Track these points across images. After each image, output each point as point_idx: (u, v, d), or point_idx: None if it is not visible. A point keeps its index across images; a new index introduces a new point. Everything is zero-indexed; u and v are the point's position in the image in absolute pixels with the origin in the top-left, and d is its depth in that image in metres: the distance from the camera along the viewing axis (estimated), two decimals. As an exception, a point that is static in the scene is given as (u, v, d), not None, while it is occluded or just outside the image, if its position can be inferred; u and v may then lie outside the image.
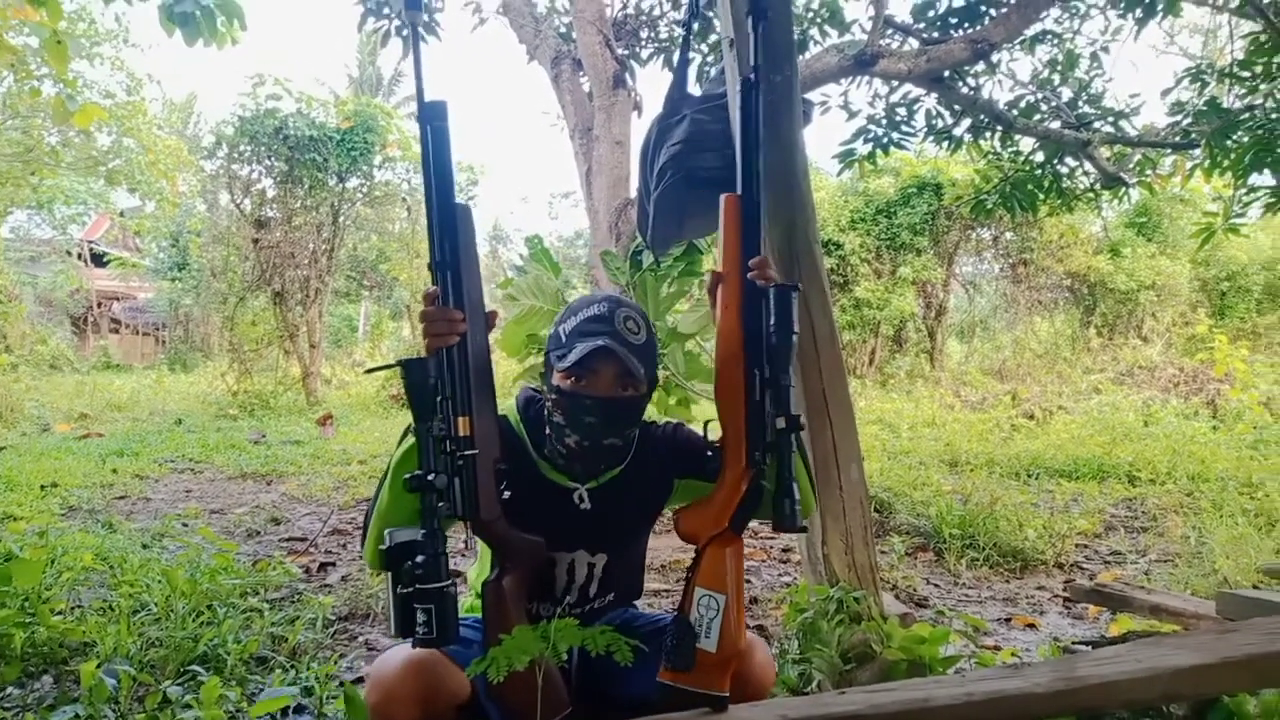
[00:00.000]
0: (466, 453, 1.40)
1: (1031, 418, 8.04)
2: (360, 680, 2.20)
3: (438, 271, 1.44)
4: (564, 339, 1.59)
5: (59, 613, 2.48)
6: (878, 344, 11.64)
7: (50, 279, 16.75)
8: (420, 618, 1.30)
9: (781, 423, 1.49)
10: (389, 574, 1.33)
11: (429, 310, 1.43)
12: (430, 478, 1.33)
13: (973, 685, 1.36)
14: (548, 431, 1.63)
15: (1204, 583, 3.46)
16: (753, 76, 1.62)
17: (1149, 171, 6.00)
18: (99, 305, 18.80)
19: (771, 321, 1.50)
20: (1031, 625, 3.23)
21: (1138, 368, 10.01)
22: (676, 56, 4.04)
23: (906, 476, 5.40)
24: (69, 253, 17.01)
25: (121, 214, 18.38)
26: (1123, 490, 5.61)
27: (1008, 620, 3.29)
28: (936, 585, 3.73)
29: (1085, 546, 4.38)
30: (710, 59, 5.49)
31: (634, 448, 1.68)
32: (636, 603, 1.86)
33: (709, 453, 1.59)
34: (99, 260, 17.98)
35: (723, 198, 1.62)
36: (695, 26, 4.40)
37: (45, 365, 12.85)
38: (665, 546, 4.01)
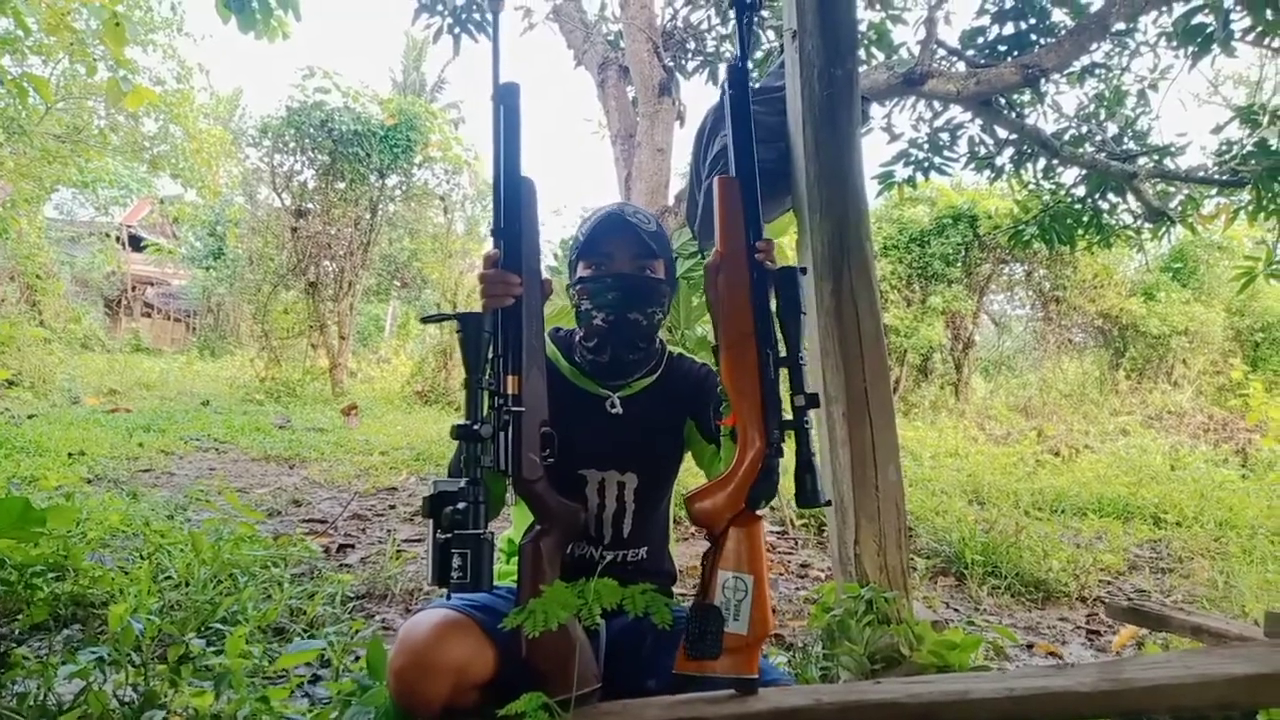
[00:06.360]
0: (513, 409, 1.43)
1: (1057, 454, 7.92)
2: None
3: (498, 237, 1.50)
4: (581, 239, 1.69)
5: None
6: (903, 373, 11.56)
7: (88, 259, 17.00)
8: (456, 562, 1.32)
9: (800, 400, 1.49)
10: (430, 520, 1.35)
11: (487, 272, 1.48)
12: (476, 427, 1.37)
13: (1014, 681, 1.34)
14: (577, 336, 1.71)
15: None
16: (739, 64, 1.66)
17: (1192, 212, 5.94)
18: (133, 289, 19.06)
19: (779, 304, 1.52)
20: (1054, 654, 3.17)
21: (1166, 412, 9.86)
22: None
23: (929, 503, 5.33)
24: (108, 235, 17.29)
25: (162, 201, 18.67)
26: (1148, 531, 5.50)
27: (1030, 647, 3.23)
28: (957, 610, 3.67)
29: (1109, 583, 4.30)
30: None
31: (664, 363, 1.74)
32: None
33: (717, 417, 1.58)
34: (136, 244, 18.25)
35: (715, 180, 1.63)
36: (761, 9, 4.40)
37: (77, 344, 13.02)
38: (680, 554, 3.97)
